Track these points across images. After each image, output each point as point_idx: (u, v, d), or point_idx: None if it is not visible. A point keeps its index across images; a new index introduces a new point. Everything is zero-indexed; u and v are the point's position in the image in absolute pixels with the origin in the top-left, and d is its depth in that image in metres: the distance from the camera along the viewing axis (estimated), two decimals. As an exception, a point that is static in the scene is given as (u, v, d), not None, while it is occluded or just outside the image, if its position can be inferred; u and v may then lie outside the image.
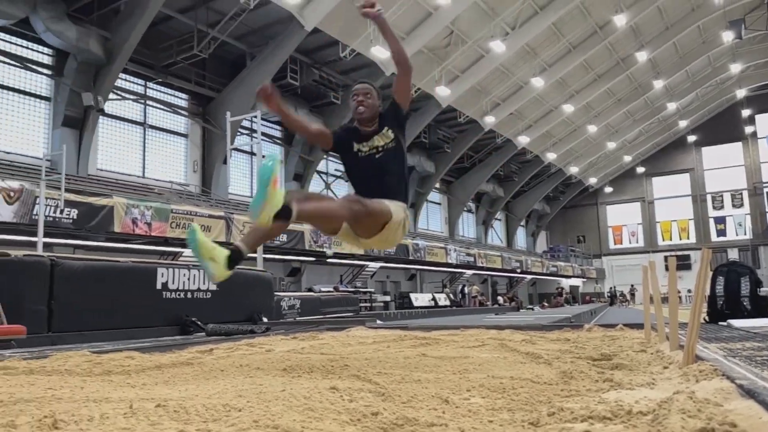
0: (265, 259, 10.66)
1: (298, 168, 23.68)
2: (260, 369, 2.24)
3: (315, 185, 25.09)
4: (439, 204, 34.59)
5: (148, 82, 18.82)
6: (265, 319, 7.05)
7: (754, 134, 41.68)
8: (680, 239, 44.03)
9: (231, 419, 1.22)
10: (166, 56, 18.35)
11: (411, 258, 24.54)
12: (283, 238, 18.61)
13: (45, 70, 16.40)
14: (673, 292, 2.20)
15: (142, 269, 5.88)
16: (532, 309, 25.77)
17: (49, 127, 16.35)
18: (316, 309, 11.29)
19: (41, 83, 16.42)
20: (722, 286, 5.57)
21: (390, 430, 1.19)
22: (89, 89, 16.09)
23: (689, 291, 31.77)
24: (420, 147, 28.64)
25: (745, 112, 39.87)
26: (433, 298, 24.95)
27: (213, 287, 6.50)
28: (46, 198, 12.19)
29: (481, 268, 30.62)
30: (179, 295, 6.16)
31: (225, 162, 19.75)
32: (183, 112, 20.05)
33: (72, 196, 13.18)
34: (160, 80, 18.75)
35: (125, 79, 17.98)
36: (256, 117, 10.70)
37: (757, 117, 41.06)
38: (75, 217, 13.29)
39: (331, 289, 18.79)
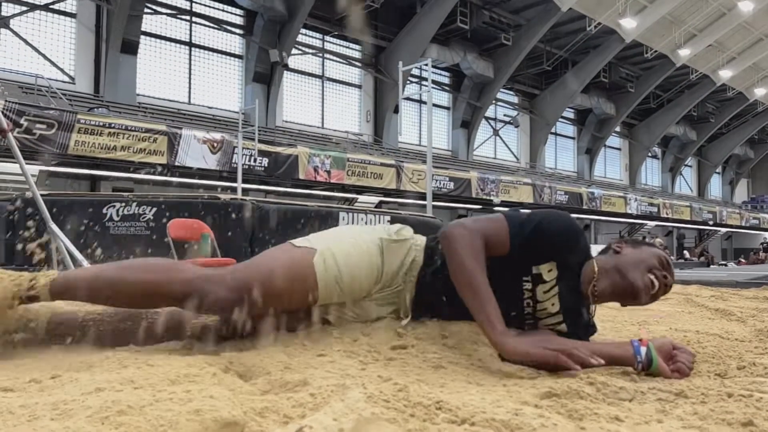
0: (433, 207, 10.93)
1: (465, 114, 23.47)
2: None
3: (483, 131, 24.75)
4: (618, 149, 32.08)
5: (325, 36, 19.82)
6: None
7: None
8: None
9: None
10: (341, 9, 19.07)
11: (585, 207, 23.33)
12: (450, 185, 18.82)
13: (237, 30, 18.06)
14: None
15: (326, 213, 6.42)
16: (726, 265, 23.17)
17: (242, 83, 18.11)
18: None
19: (234, 42, 18.15)
20: None
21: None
22: (274, 46, 17.43)
23: None
24: (599, 87, 26.58)
25: None
26: (609, 250, 23.55)
27: (387, 231, 6.89)
28: (243, 148, 13.68)
29: (666, 219, 28.09)
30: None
31: (396, 111, 20.31)
32: (357, 63, 20.84)
33: (263, 146, 14.60)
34: (336, 33, 19.62)
35: (305, 34, 19.10)
36: (426, 65, 10.79)
37: None
38: (266, 165, 14.77)
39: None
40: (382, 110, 20.97)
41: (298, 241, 1.48)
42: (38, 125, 11.14)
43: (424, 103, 19.75)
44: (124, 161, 12.50)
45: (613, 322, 2.05)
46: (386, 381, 1.04)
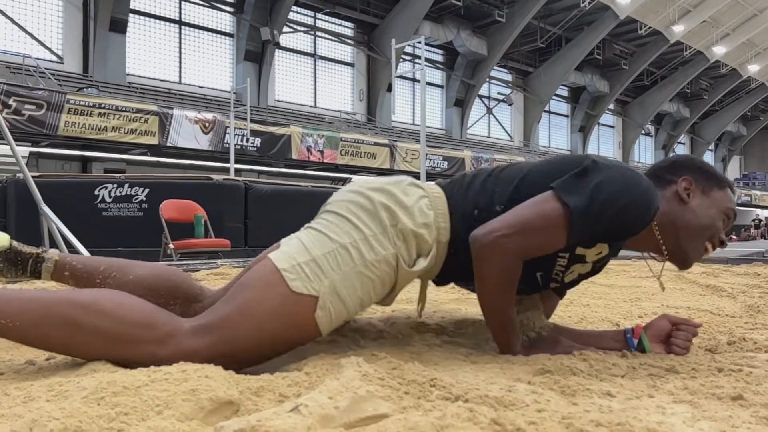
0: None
1: (459, 93, 23.35)
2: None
3: (477, 110, 24.65)
4: (612, 127, 32.08)
5: (317, 13, 19.56)
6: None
7: None
8: None
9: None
10: (333, -14, 18.80)
11: (578, 185, 23.36)
12: (444, 164, 18.79)
13: (227, 8, 17.79)
14: None
15: (320, 193, 6.40)
16: (717, 242, 23.30)
17: (233, 62, 17.91)
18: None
19: (225, 20, 17.89)
20: None
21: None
22: (266, 23, 17.20)
23: None
24: (592, 64, 26.47)
25: None
26: (601, 228, 23.66)
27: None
28: (235, 128, 13.58)
29: (658, 197, 28.19)
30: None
31: (389, 90, 20.17)
32: (349, 41, 20.62)
33: (256, 126, 14.50)
34: (328, 10, 19.37)
35: (297, 12, 18.85)
36: (419, 42, 10.68)
37: None
38: (258, 145, 14.68)
39: (493, 216, 18.73)
40: (375, 89, 20.82)
41: (291, 272, 1.14)
42: (27, 106, 11.00)
43: (418, 81, 19.60)
44: (115, 142, 12.39)
45: (606, 299, 2.07)
46: (381, 359, 1.04)
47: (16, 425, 0.69)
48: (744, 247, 7.29)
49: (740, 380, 0.94)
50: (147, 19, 16.23)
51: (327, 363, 1.02)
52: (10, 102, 10.79)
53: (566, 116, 29.40)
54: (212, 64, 17.59)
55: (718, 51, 27.93)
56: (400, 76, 21.23)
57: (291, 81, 19.39)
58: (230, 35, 17.93)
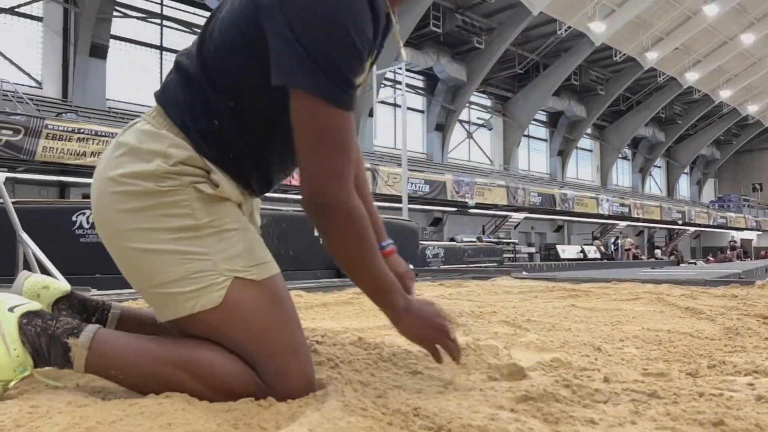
0: (409, 209, 10.95)
1: (440, 118, 23.62)
2: (413, 310, 2.39)
3: (457, 134, 24.91)
4: (590, 151, 32.65)
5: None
6: (411, 266, 7.35)
7: None
8: None
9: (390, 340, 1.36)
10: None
11: (558, 208, 23.66)
12: (426, 188, 18.90)
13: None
14: None
15: (301, 218, 6.38)
16: (695, 264, 23.72)
17: (215, 88, 17.93)
18: (459, 258, 11.47)
19: (207, 47, 17.98)
20: None
21: (547, 370, 1.25)
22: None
23: None
24: (570, 90, 27.03)
25: None
26: (582, 251, 23.97)
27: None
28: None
29: (637, 219, 28.67)
30: (333, 241, 6.63)
31: (371, 115, 20.32)
32: (331, 66, 20.81)
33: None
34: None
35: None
36: (400, 68, 10.83)
37: None
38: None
39: (474, 240, 18.85)
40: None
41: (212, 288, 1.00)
42: (4, 131, 10.86)
43: (399, 106, 19.80)
44: (93, 167, 12.23)
45: (587, 323, 2.08)
46: (366, 386, 1.03)
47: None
48: (721, 269, 7.40)
49: (721, 405, 0.94)
50: (128, 44, 16.23)
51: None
52: (-13, 127, 10.65)
53: (545, 140, 29.87)
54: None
55: (691, 77, 28.75)
56: (382, 102, 21.43)
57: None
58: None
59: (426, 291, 3.68)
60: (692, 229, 34.08)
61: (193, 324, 1.00)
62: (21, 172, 11.84)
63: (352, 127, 1.03)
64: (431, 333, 1.13)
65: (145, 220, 1.00)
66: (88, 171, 12.44)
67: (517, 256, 21.65)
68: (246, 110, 1.05)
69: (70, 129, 11.77)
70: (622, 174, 35.34)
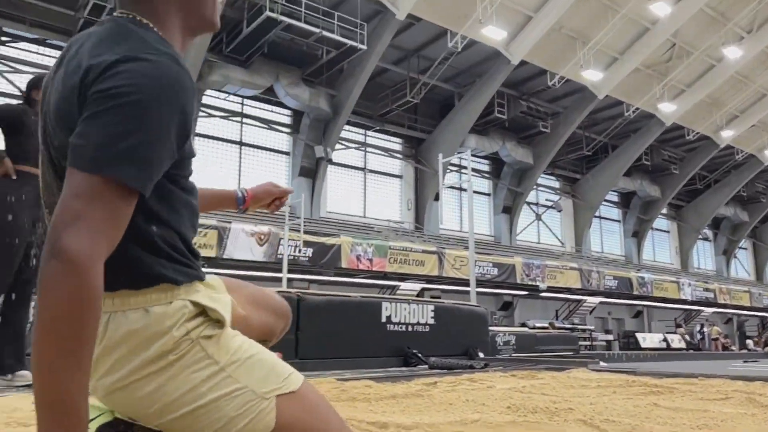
0: (477, 293, 10.79)
1: (507, 200, 23.60)
2: (485, 405, 2.34)
3: (525, 216, 24.68)
4: (667, 232, 31.32)
5: (367, 131, 20.68)
6: (481, 354, 7.14)
7: None
8: None
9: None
10: (382, 105, 19.99)
11: (636, 293, 22.56)
12: (494, 271, 18.62)
13: (285, 129, 19.06)
14: None
15: (369, 303, 6.43)
16: (796, 354, 21.62)
17: (289, 178, 18.86)
18: (531, 346, 11.04)
19: (282, 140, 19.11)
20: None
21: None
22: (319, 142, 18.26)
23: None
24: (641, 170, 26.46)
25: None
26: (665, 339, 22.45)
27: (432, 321, 6.82)
28: (288, 239, 14.03)
29: (724, 306, 26.78)
30: (401, 327, 6.59)
31: (436, 199, 20.62)
32: (397, 155, 21.52)
33: (308, 237, 14.94)
34: (377, 128, 20.46)
35: (348, 130, 19.97)
36: (465, 154, 11.08)
37: None
38: (310, 255, 15.04)
39: (546, 325, 18.14)
40: (422, 198, 21.31)
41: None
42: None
43: (465, 190, 19.98)
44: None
45: (671, 425, 1.97)
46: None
47: None
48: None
49: None
50: (210, 141, 17.52)
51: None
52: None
53: (618, 221, 29.02)
54: (268, 179, 18.53)
55: (772, 154, 27.56)
56: (448, 186, 21.76)
57: (342, 193, 20.16)
58: (287, 153, 19.05)
59: (498, 383, 3.58)
60: (789, 314, 31.35)
61: None
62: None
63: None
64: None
65: (177, 388, 0.96)
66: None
67: (594, 343, 20.55)
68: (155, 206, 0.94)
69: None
70: (704, 256, 33.46)
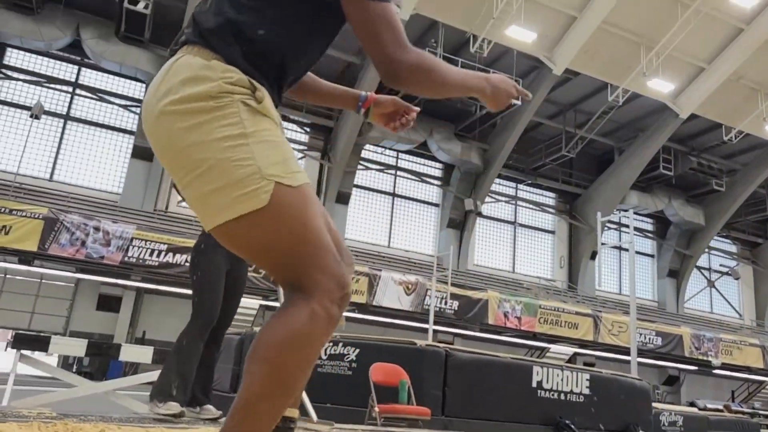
0: (638, 364, 9.90)
1: (673, 263, 21.59)
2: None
3: (695, 282, 22.35)
4: None
5: (518, 185, 20.39)
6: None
7: None
8: None
9: None
10: (535, 159, 19.66)
11: (837, 379, 19.13)
12: (658, 341, 16.99)
13: (435, 182, 19.48)
14: None
15: (519, 366, 6.21)
16: None
17: (437, 229, 19.12)
18: (702, 429, 9.78)
19: (432, 192, 19.53)
20: None
21: None
22: (469, 195, 18.36)
23: None
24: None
25: None
26: None
27: (587, 390, 6.38)
28: (435, 291, 14.11)
29: None
30: (553, 395, 6.24)
31: (593, 258, 19.52)
32: (550, 209, 20.86)
33: (454, 290, 14.91)
34: (529, 182, 20.10)
35: (499, 183, 19.87)
36: (627, 211, 10.45)
37: None
38: (456, 308, 14.95)
39: (720, 407, 15.97)
40: (577, 256, 20.30)
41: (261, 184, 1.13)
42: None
43: (625, 249, 18.71)
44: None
45: None
46: None
47: None
48: None
49: None
50: (367, 192, 18.45)
51: None
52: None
53: (812, 294, 25.05)
54: (418, 231, 18.99)
55: None
56: (605, 244, 20.51)
57: (490, 247, 19.92)
58: (436, 205, 19.40)
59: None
60: None
61: (242, 227, 1.11)
62: (272, 300, 13.66)
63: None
64: (509, 96, 1.42)
65: (203, 134, 1.12)
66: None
67: (782, 434, 17.61)
68: (288, 18, 1.23)
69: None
70: None
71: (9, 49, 14.61)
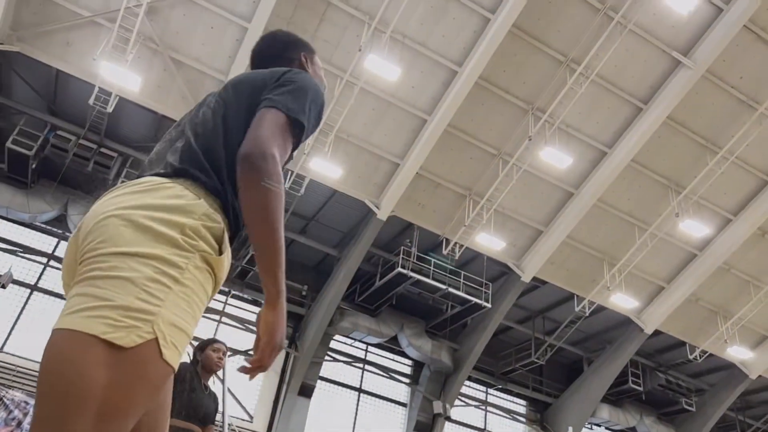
0: None
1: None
2: None
3: None
4: None
5: (488, 389, 19.86)
6: None
7: None
8: None
9: None
10: (506, 363, 19.44)
11: None
12: None
13: (404, 379, 18.92)
14: None
15: None
16: None
17: (404, 430, 18.07)
18: None
19: (401, 391, 18.85)
20: None
21: None
22: (438, 396, 17.74)
23: None
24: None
25: None
26: None
27: None
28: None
29: None
30: None
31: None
32: (521, 418, 20.08)
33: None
34: (500, 386, 19.63)
35: (468, 386, 19.34)
36: (599, 426, 10.10)
37: None
38: None
39: None
40: (549, 472, 19.05)
41: (109, 327, 1.04)
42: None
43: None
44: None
45: None
46: None
47: None
48: None
49: None
50: (332, 385, 17.75)
51: None
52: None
53: None
54: (382, 430, 17.91)
55: None
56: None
57: (458, 455, 18.69)
58: (404, 405, 18.60)
59: None
60: None
61: (88, 348, 0.99)
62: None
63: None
64: (281, 332, 1.21)
65: (148, 247, 1.08)
66: None
67: None
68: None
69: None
70: None
71: (-12, 218, 14.87)
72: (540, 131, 14.20)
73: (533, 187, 15.66)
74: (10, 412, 11.00)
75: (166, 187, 1.18)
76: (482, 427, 19.54)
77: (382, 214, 15.00)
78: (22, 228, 15.22)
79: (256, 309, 17.30)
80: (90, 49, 12.38)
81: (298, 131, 1.35)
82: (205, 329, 15.99)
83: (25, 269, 14.89)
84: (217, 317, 16.55)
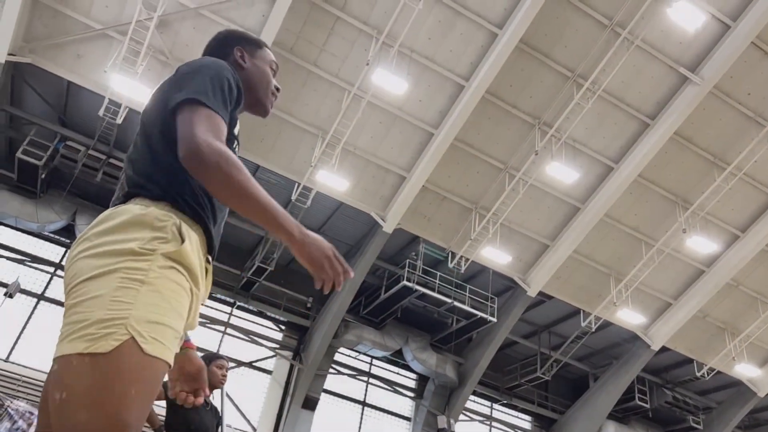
0: None
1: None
2: None
3: None
4: None
5: (493, 404, 19.71)
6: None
7: None
8: None
9: None
10: (511, 378, 19.31)
11: None
12: None
13: (408, 393, 18.81)
14: None
15: None
16: None
17: (408, 446, 17.94)
18: None
19: (405, 405, 18.73)
20: None
21: None
22: (443, 410, 17.61)
23: None
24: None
25: None
26: None
27: None
28: None
29: None
30: None
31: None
32: (526, 434, 19.91)
33: None
34: (504, 401, 19.47)
35: (473, 401, 19.20)
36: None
37: None
38: None
39: None
40: (554, 490, 18.83)
41: (91, 340, 1.16)
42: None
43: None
44: None
45: None
46: None
47: None
48: None
49: None
50: (336, 398, 17.66)
51: None
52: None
53: None
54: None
55: None
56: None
57: (462, 471, 18.51)
58: (408, 419, 18.48)
59: None
60: None
61: (78, 366, 1.10)
62: None
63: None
64: (323, 256, 1.28)
65: (110, 265, 1.19)
66: None
67: None
68: None
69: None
70: None
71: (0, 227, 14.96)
72: (546, 146, 14.20)
73: (540, 202, 15.64)
74: (15, 422, 10.99)
75: (117, 213, 1.30)
76: (487, 442, 19.37)
77: (388, 227, 15.00)
78: (30, 237, 15.29)
79: (262, 320, 17.29)
80: (101, 61, 12.50)
81: (216, 105, 1.39)
82: (210, 340, 15.98)
83: (32, 279, 14.94)
84: (222, 328, 16.53)
